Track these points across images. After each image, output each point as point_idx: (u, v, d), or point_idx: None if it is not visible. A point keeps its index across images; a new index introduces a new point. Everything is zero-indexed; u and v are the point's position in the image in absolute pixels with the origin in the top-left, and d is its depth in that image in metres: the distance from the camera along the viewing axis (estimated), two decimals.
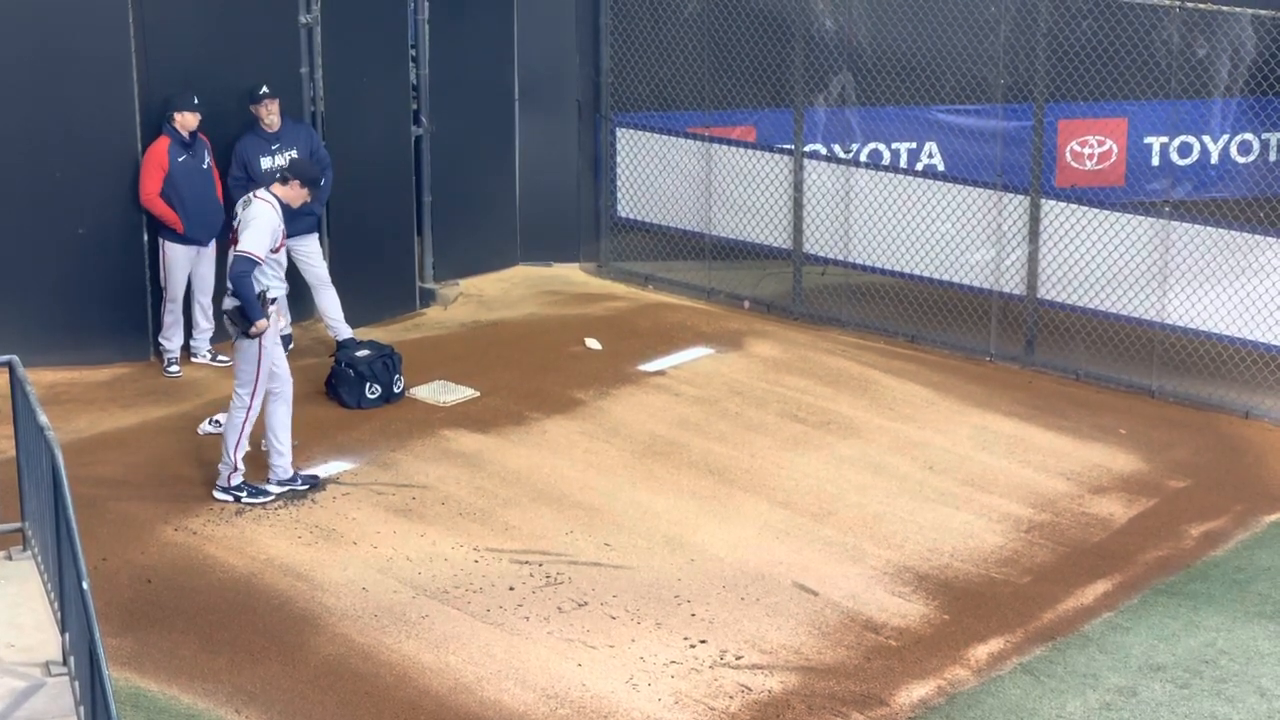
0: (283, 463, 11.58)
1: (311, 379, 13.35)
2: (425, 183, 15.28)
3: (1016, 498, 11.75)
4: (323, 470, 11.97)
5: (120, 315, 13.67)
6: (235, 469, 11.39)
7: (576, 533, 11.16)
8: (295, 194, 11.54)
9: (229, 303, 11.29)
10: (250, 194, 11.58)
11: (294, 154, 13.61)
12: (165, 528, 11.15)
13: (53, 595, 8.48)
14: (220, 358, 13.74)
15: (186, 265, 13.45)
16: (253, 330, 11.18)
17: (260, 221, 11.27)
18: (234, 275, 11.21)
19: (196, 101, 13.14)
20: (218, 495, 11.44)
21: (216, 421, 12.49)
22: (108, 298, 13.59)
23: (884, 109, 15.23)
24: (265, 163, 13.47)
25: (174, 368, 13.56)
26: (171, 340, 13.58)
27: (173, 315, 13.52)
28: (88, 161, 13.28)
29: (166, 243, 13.37)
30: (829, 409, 13.10)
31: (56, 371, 13.28)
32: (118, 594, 10.28)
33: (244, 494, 11.40)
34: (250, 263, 11.20)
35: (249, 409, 11.33)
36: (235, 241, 11.40)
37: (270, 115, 13.54)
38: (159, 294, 13.57)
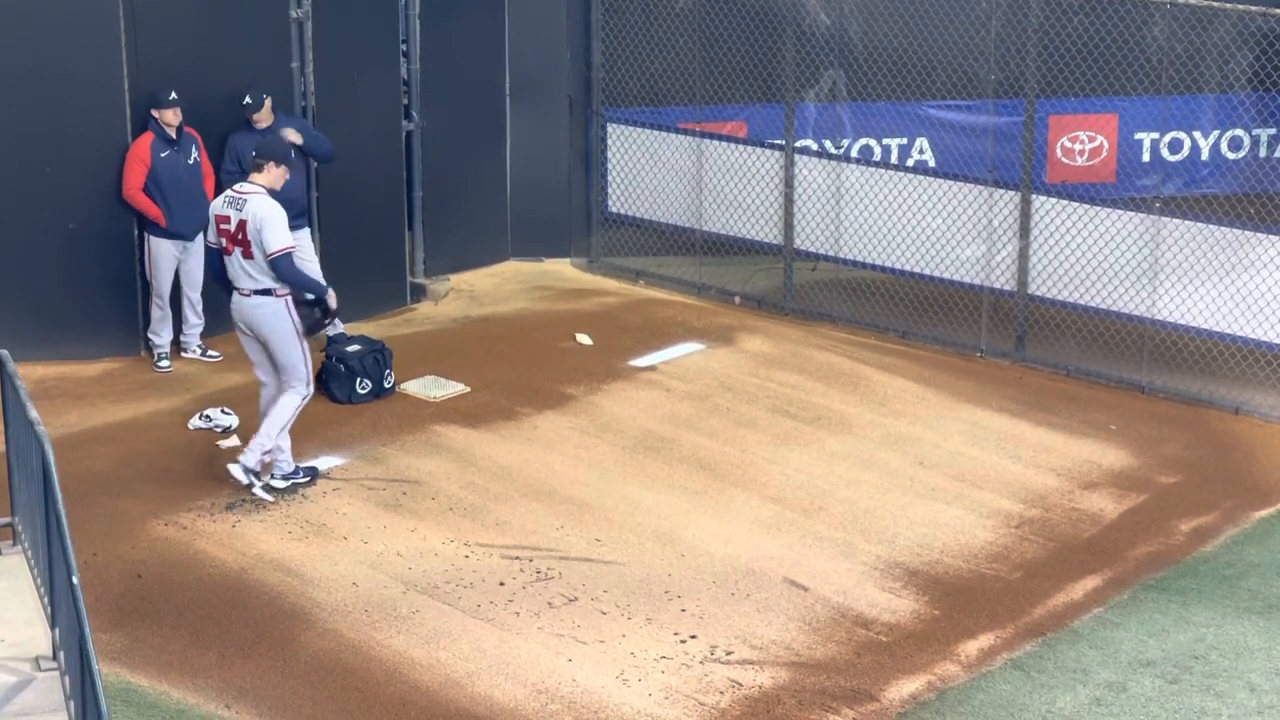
0: (284, 457, 11.60)
1: None
2: (416, 178, 15.28)
3: (1007, 493, 11.76)
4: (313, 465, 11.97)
5: (110, 310, 13.66)
6: (276, 450, 11.44)
7: (567, 528, 11.16)
8: (276, 176, 11.34)
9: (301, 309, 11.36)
10: (233, 193, 11.32)
11: None
12: (155, 523, 11.13)
13: (42, 590, 8.46)
14: (210, 353, 13.74)
15: (172, 260, 13.45)
16: (331, 303, 11.39)
17: (275, 216, 11.13)
18: (287, 276, 11.17)
19: (174, 97, 13.12)
20: (262, 493, 11.40)
21: (207, 416, 12.50)
22: (98, 293, 13.57)
23: (875, 104, 15.25)
24: None
25: (164, 363, 13.55)
26: (160, 335, 13.57)
27: (160, 310, 13.51)
28: (77, 157, 13.26)
29: (151, 237, 13.37)
30: (820, 404, 13.11)
31: (47, 366, 13.26)
32: (108, 589, 10.28)
33: (266, 482, 11.45)
34: (290, 257, 11.20)
35: (309, 387, 11.43)
36: (240, 244, 11.15)
37: (261, 123, 13.55)
38: (148, 289, 13.56)
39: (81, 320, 13.55)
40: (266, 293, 11.23)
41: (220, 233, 11.29)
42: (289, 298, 11.28)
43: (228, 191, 11.43)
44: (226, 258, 11.30)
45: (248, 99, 13.48)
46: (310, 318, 11.43)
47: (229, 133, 13.60)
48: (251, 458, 11.36)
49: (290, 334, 11.31)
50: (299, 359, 11.38)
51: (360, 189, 14.56)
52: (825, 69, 15.12)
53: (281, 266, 11.17)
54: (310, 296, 11.42)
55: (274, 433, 11.36)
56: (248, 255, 11.19)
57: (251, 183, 11.32)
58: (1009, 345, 14.10)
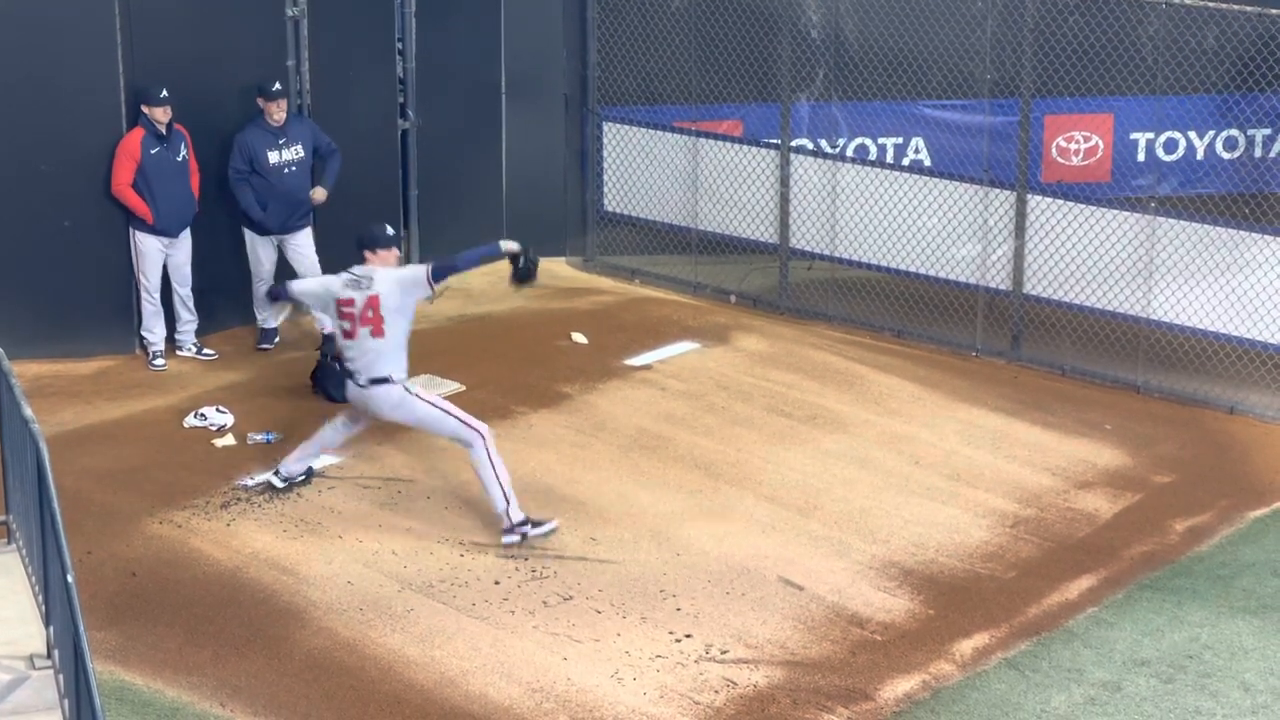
0: (299, 467, 11.53)
1: (297, 373, 13.33)
2: (412, 176, 15.28)
3: (1002, 492, 11.76)
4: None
5: (105, 308, 13.66)
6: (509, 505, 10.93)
7: (562, 527, 11.15)
8: (386, 258, 10.99)
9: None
10: (352, 275, 10.90)
11: (299, 148, 13.60)
12: (150, 521, 11.13)
13: (37, 588, 8.45)
14: (206, 351, 13.73)
15: (158, 254, 13.43)
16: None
17: (404, 272, 11.00)
18: (446, 275, 10.99)
19: (165, 95, 13.09)
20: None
21: (202, 415, 12.50)
22: (93, 290, 13.57)
23: (870, 104, 15.24)
24: (273, 157, 13.47)
25: (159, 360, 13.54)
26: (154, 332, 13.56)
27: (152, 306, 13.50)
28: (73, 154, 13.25)
29: (137, 233, 13.35)
30: (815, 403, 13.11)
31: (42, 364, 13.26)
32: (102, 587, 10.27)
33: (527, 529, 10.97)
34: (434, 265, 10.96)
35: (478, 431, 10.88)
36: (370, 322, 10.80)
37: (279, 112, 13.53)
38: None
39: (77, 318, 13.54)
40: (383, 380, 10.90)
41: (344, 316, 10.92)
42: (404, 382, 10.95)
43: (344, 274, 10.98)
44: (349, 342, 10.93)
45: (277, 85, 13.46)
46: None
47: (234, 132, 13.57)
48: (503, 509, 10.88)
49: (425, 410, 10.96)
50: (450, 421, 10.96)
51: (356, 187, 14.54)
52: (820, 68, 15.13)
53: (442, 272, 10.92)
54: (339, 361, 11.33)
55: (500, 488, 10.87)
56: (378, 333, 10.83)
57: (371, 267, 10.96)
58: (1004, 344, 14.11)
